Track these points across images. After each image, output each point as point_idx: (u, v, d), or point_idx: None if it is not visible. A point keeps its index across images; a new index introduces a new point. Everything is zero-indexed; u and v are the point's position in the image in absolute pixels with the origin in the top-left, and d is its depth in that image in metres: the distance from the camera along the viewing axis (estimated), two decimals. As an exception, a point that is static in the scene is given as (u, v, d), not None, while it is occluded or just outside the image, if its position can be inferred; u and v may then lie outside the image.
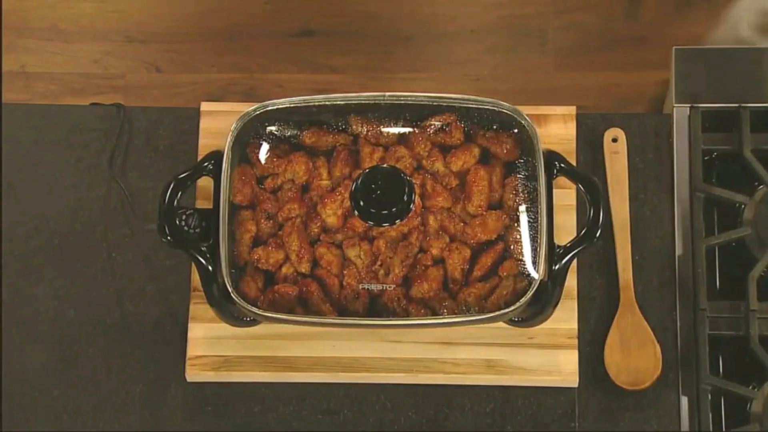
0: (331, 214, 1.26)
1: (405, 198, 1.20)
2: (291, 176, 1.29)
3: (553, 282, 1.23)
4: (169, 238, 1.23)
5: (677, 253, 1.36)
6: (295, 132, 1.31)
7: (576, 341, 1.31)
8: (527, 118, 1.28)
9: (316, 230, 1.27)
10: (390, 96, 1.26)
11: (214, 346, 1.32)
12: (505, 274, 1.25)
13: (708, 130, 1.38)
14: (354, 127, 1.30)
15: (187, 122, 1.42)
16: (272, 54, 2.19)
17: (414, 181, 1.27)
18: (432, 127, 1.30)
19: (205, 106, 1.42)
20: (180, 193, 1.24)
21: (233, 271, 1.25)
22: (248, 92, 2.16)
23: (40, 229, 1.38)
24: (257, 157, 1.30)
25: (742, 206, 1.35)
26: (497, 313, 1.24)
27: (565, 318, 1.31)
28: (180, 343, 1.33)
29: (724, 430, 1.31)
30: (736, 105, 1.39)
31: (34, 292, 1.34)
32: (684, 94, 1.41)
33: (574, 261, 1.25)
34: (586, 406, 1.30)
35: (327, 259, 1.26)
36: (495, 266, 1.26)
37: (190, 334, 1.33)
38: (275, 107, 1.30)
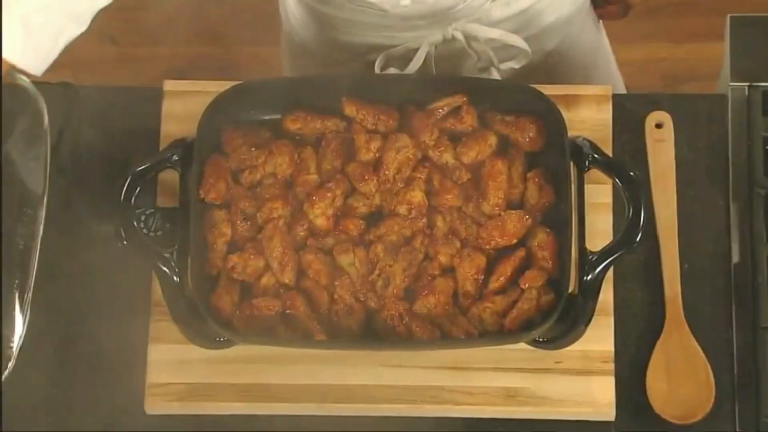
0: (319, 214, 1.27)
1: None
2: (272, 169, 1.30)
3: (585, 295, 1.23)
4: (125, 242, 1.23)
5: (733, 261, 1.36)
6: (277, 116, 1.32)
7: (612, 366, 1.31)
8: (553, 100, 1.28)
9: (302, 233, 1.28)
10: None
11: (180, 372, 1.32)
12: (527, 285, 1.25)
13: (770, 114, 1.42)
14: (347, 110, 1.31)
15: (147, 104, 1.42)
16: (250, 22, 2.19)
17: (419, 175, 1.29)
18: (440, 110, 1.31)
19: (169, 85, 1.42)
20: (138, 189, 1.25)
21: (203, 282, 1.26)
22: (221, 68, 2.16)
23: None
24: (232, 146, 1.31)
25: (811, 205, 1.36)
26: (518, 332, 1.24)
27: (599, 338, 1.31)
28: (138, 368, 1.33)
29: (789, 471, 1.33)
30: (804, 84, 1.40)
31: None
32: (741, 70, 1.42)
33: (610, 270, 1.26)
34: (625, 444, 1.34)
35: (315, 267, 1.26)
36: (515, 277, 1.26)
37: (150, 358, 1.33)
38: (254, 87, 1.31)
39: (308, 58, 1.57)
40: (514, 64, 1.48)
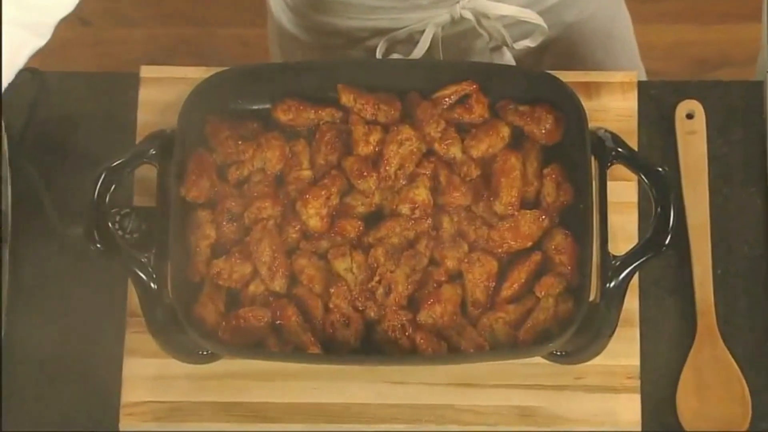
0: (313, 214, 1.27)
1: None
2: (261, 165, 1.30)
3: (608, 304, 1.23)
4: (98, 245, 1.23)
5: (772, 266, 1.38)
6: (267, 106, 1.32)
7: (638, 382, 1.32)
8: (572, 87, 1.28)
9: (294, 236, 1.28)
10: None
11: (159, 389, 1.32)
12: (543, 293, 1.26)
13: (813, 103, 1.41)
14: (343, 98, 1.31)
15: (122, 92, 1.42)
16: (235, 0, 2.18)
17: (423, 171, 1.29)
18: (447, 99, 1.31)
19: (146, 71, 1.42)
20: (113, 187, 1.24)
21: (184, 289, 1.26)
22: (203, 53, 2.16)
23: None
24: (217, 139, 1.31)
25: None
26: (533, 345, 1.24)
27: (623, 351, 1.32)
28: (112, 384, 1.34)
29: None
30: None
31: None
32: (781, 55, 1.43)
33: (636, 276, 1.26)
34: (652, 468, 1.34)
35: (308, 273, 1.26)
36: (530, 284, 1.27)
37: (125, 373, 1.33)
38: (240, 73, 1.31)
39: (299, 45, 1.57)
40: (530, 43, 1.47)
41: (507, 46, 1.47)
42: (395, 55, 1.46)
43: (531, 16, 1.44)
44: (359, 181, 1.28)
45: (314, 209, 1.27)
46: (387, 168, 1.28)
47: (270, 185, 1.29)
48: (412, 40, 1.46)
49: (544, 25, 1.44)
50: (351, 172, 1.28)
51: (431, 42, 1.45)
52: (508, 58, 1.49)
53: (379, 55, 1.45)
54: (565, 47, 1.56)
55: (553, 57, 1.54)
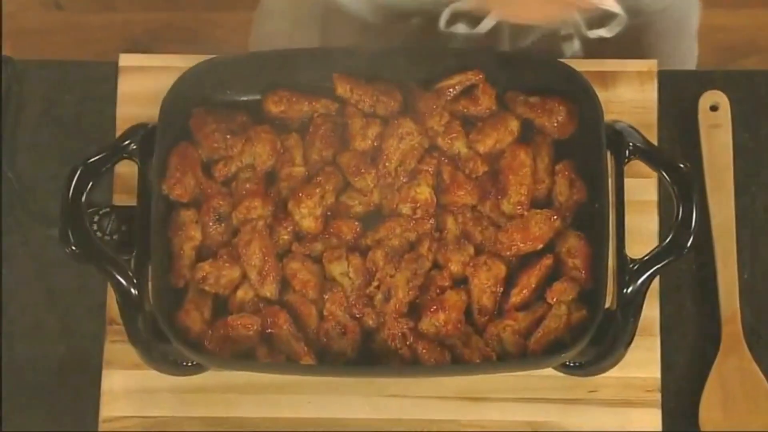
0: (307, 214, 1.27)
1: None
2: (251, 160, 1.30)
3: (625, 311, 1.23)
4: (74, 247, 1.23)
5: (803, 270, 1.38)
6: (257, 97, 1.32)
7: (658, 395, 1.33)
8: (587, 77, 1.28)
9: (285, 237, 1.29)
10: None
11: (141, 403, 1.32)
12: (555, 300, 1.26)
13: None
14: (339, 89, 1.31)
15: (100, 82, 1.42)
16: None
17: (425, 168, 1.29)
18: (451, 89, 1.31)
19: (125, 60, 1.42)
20: (91, 185, 1.24)
21: (168, 295, 1.26)
22: (188, 39, 2.15)
23: None
24: (203, 132, 1.30)
25: None
26: (545, 356, 1.24)
27: (642, 362, 1.32)
28: (91, 397, 1.34)
29: None
30: None
31: None
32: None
33: (655, 282, 1.26)
34: (673, 487, 1.34)
35: (301, 278, 1.26)
36: (541, 289, 1.27)
37: (104, 386, 1.33)
38: (228, 62, 1.31)
39: (347, 22, 1.52)
40: (606, 33, 1.42)
41: (581, 34, 1.43)
42: (460, 27, 1.41)
43: (610, 2, 1.41)
44: (356, 179, 1.28)
45: (308, 209, 1.27)
46: (386, 164, 1.28)
47: (260, 183, 1.28)
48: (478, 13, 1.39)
49: (623, 14, 1.42)
50: (347, 169, 1.29)
51: (499, 21, 1.40)
52: (576, 50, 1.47)
53: (442, 25, 1.40)
54: (632, 39, 1.51)
55: (618, 48, 1.51)
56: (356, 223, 1.28)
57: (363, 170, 1.28)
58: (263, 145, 1.30)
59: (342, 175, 1.29)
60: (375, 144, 1.29)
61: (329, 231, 1.28)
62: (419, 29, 1.46)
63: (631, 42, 1.52)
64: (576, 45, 1.46)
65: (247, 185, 1.29)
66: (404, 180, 1.29)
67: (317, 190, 1.27)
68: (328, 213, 1.28)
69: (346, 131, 1.30)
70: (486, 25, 1.38)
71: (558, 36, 1.46)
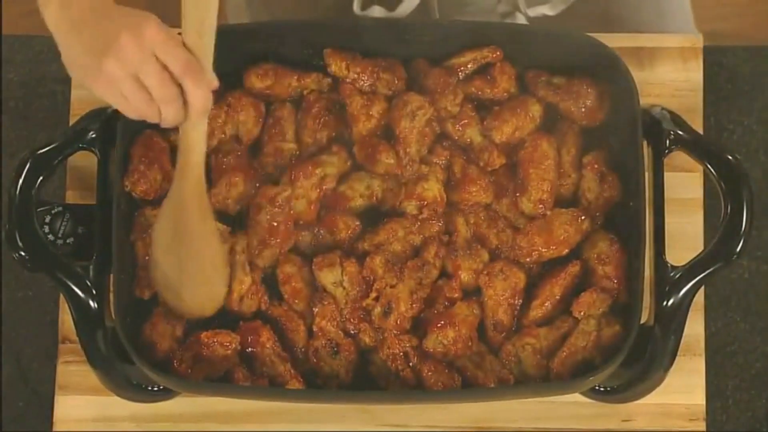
0: (301, 195, 1.23)
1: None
2: (234, 131, 1.27)
3: (665, 327, 1.19)
4: (22, 252, 1.20)
5: None
6: (236, 66, 1.28)
7: (703, 425, 1.29)
8: (619, 54, 1.24)
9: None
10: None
11: (100, 432, 1.30)
12: (583, 314, 1.21)
13: None
14: (333, 67, 1.27)
15: (52, 61, 1.38)
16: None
17: (435, 159, 1.24)
18: (463, 68, 1.27)
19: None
20: (41, 179, 1.21)
21: (131, 308, 1.22)
22: (154, 5, 2.15)
23: None
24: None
25: None
26: (570, 379, 1.20)
27: (684, 387, 1.29)
28: (40, 427, 1.32)
29: None
30: None
31: None
32: None
33: (700, 293, 1.21)
34: None
35: (294, 285, 1.22)
36: (567, 301, 1.22)
37: (57, 413, 1.30)
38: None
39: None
40: (548, 10, 1.43)
41: (519, 12, 1.43)
42: (376, 10, 1.41)
43: None
44: (375, 166, 1.23)
45: (303, 189, 1.22)
46: (407, 149, 1.23)
47: (243, 155, 1.24)
48: None
49: None
50: (362, 158, 1.24)
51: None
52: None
53: (356, 8, 1.40)
54: (602, 8, 1.50)
55: (586, 21, 1.49)
56: (355, 221, 1.24)
57: (382, 149, 1.23)
58: (247, 111, 1.25)
59: (350, 157, 1.24)
60: (382, 123, 1.25)
61: (322, 223, 1.23)
62: (333, 14, 1.48)
63: (603, 11, 1.50)
64: (520, 22, 1.44)
65: (228, 158, 1.24)
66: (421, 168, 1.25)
67: (317, 171, 1.22)
68: (323, 200, 1.23)
69: (343, 111, 1.26)
70: (407, 7, 1.39)
71: (495, 14, 1.44)
